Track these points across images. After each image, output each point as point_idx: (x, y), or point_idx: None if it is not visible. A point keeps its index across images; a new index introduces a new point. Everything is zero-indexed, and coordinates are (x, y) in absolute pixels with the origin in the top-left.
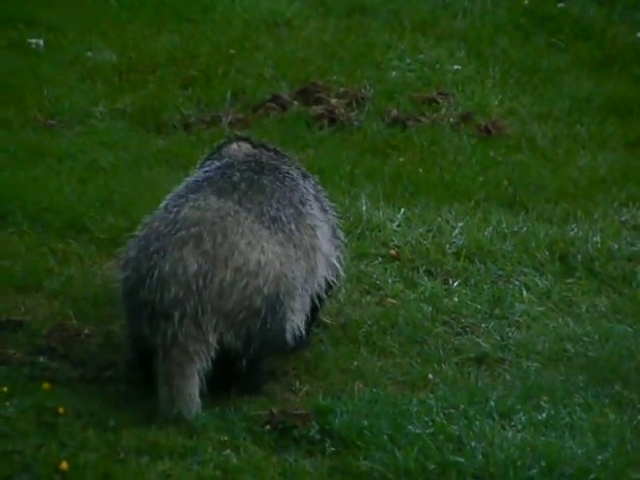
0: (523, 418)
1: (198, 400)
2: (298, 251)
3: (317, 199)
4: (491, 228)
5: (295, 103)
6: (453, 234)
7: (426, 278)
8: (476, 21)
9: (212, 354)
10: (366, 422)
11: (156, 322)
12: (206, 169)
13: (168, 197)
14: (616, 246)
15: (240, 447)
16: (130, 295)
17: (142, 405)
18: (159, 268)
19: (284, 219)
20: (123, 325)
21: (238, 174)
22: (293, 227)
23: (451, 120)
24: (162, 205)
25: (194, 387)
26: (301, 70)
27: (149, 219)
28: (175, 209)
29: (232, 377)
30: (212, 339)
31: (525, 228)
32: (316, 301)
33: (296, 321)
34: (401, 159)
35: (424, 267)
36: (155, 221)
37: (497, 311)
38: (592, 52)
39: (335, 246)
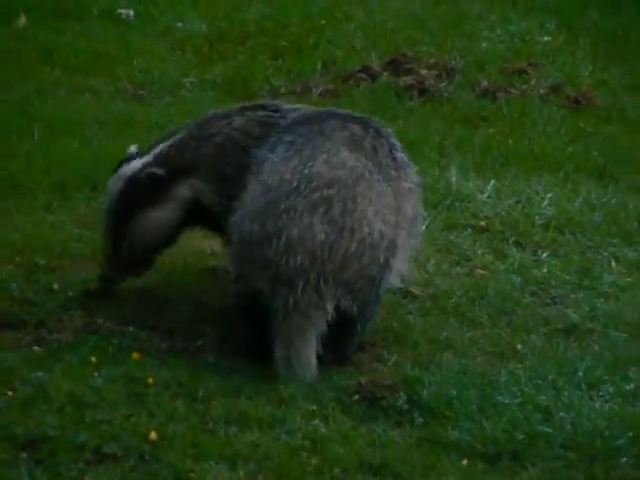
0: (611, 389)
1: (315, 363)
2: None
3: None
4: (580, 199)
5: (385, 74)
6: (542, 205)
7: (515, 249)
8: None
9: (329, 319)
10: (454, 392)
11: (278, 286)
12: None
13: (292, 132)
14: None
15: (329, 417)
16: (252, 248)
17: (231, 376)
18: (288, 232)
19: (410, 168)
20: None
21: (361, 119)
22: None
23: (541, 91)
24: (287, 139)
25: (312, 350)
26: (391, 41)
27: (276, 162)
28: (309, 163)
29: (332, 346)
30: (330, 306)
31: (614, 199)
32: None
33: (392, 280)
34: (491, 130)
35: (513, 238)
36: (287, 171)
37: (586, 282)
38: None
39: None
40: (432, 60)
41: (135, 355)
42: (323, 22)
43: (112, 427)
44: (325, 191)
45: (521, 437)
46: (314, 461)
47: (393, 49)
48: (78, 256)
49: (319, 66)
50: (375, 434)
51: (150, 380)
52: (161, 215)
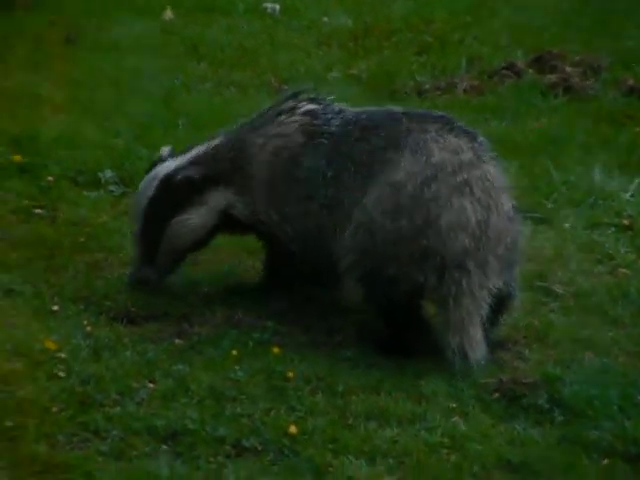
0: None
1: (485, 346)
2: None
3: None
4: None
5: (530, 71)
6: None
7: None
8: None
9: (492, 298)
10: (596, 392)
11: (448, 273)
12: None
13: (369, 138)
14: None
15: (469, 414)
16: (404, 244)
17: (370, 371)
18: (443, 218)
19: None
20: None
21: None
22: None
23: None
24: (367, 146)
25: (482, 333)
26: (537, 38)
27: (395, 160)
28: (429, 153)
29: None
30: (492, 284)
31: None
32: None
33: None
34: (636, 129)
35: None
36: (409, 166)
37: None
38: None
39: None
40: (578, 58)
41: (275, 349)
42: (468, 18)
43: (252, 421)
44: (461, 174)
45: None
46: (453, 458)
47: (539, 46)
48: (221, 249)
49: (464, 62)
50: (515, 432)
51: (290, 374)
52: (194, 218)
